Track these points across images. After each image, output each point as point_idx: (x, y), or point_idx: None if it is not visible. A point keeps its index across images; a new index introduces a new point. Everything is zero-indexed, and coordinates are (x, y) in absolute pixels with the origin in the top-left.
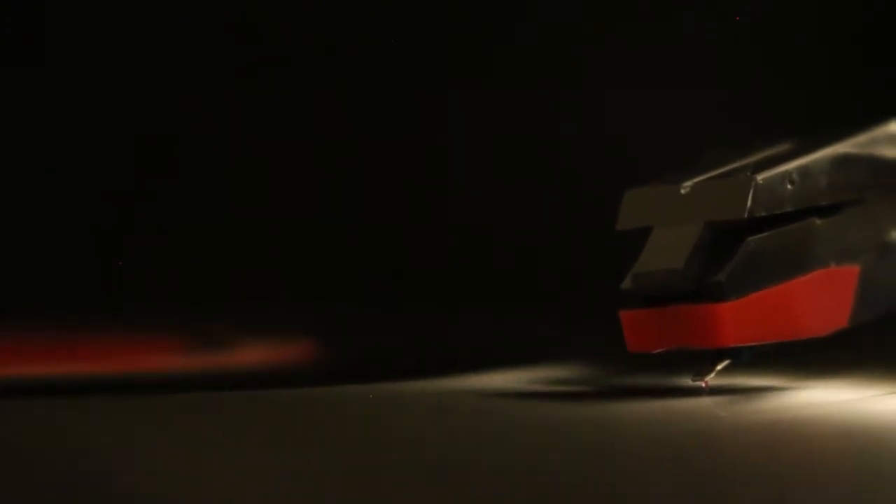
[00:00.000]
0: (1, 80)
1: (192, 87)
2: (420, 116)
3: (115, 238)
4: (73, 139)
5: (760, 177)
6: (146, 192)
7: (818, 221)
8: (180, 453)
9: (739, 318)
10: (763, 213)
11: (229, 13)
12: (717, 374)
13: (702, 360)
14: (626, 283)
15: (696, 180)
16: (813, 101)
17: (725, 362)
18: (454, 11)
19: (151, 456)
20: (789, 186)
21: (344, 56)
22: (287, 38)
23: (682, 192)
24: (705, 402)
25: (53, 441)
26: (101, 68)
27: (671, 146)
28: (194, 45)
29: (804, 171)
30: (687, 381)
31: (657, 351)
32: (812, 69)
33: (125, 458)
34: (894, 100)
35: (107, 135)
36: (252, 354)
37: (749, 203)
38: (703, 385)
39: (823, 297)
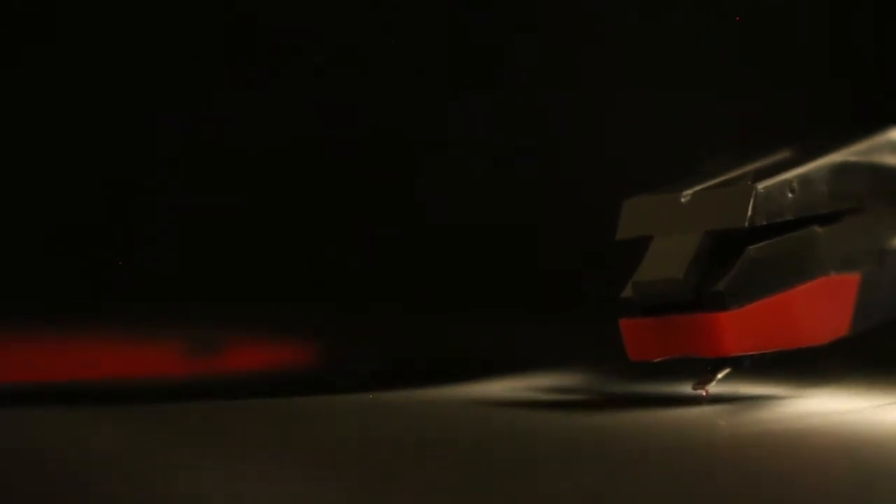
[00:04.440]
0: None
1: (192, 87)
2: (420, 116)
3: (115, 238)
4: (72, 139)
5: (761, 185)
6: (146, 192)
7: (818, 230)
8: (180, 459)
9: (740, 326)
10: (763, 222)
11: (229, 12)
12: (717, 383)
13: (702, 369)
14: (627, 292)
15: (695, 189)
16: (813, 102)
17: (726, 371)
18: (454, 12)
19: (151, 462)
20: (790, 195)
21: (344, 56)
22: (287, 37)
23: (682, 200)
24: (706, 410)
25: (51, 444)
26: (100, 68)
27: (671, 147)
28: (193, 44)
29: (804, 180)
30: (687, 390)
31: (658, 360)
32: (812, 69)
33: (124, 464)
34: (894, 101)
35: (105, 134)
36: (250, 357)
37: (749, 212)
38: (704, 394)
39: (824, 305)
